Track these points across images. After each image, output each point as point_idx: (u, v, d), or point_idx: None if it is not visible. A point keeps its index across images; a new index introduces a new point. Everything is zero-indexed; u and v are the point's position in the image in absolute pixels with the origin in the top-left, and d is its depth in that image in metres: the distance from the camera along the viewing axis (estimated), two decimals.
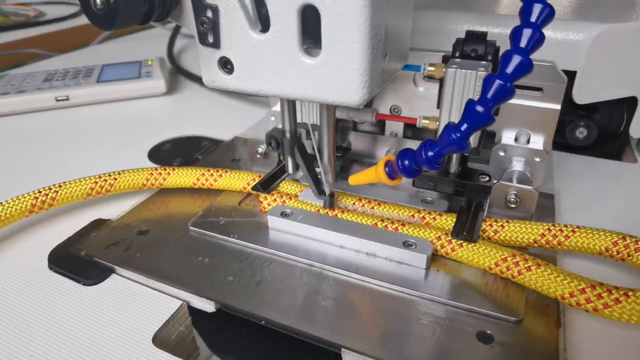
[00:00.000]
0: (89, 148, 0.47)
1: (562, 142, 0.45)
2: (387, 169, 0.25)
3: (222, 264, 0.29)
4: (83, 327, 0.26)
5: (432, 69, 0.29)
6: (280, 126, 0.30)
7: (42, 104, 0.56)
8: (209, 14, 0.22)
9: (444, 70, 0.28)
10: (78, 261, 0.30)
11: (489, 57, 0.28)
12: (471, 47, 0.28)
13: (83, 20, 1.14)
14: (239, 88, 0.24)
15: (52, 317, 0.26)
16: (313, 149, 0.30)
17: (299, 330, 0.25)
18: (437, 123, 0.31)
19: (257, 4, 0.22)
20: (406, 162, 0.24)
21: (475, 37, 0.28)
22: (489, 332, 0.24)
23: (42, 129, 0.52)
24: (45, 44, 0.98)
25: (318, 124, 0.30)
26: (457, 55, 0.29)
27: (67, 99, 0.56)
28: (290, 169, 0.32)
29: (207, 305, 0.27)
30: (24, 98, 0.55)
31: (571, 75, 0.37)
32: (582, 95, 0.37)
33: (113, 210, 0.36)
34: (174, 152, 0.45)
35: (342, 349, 0.24)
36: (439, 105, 0.30)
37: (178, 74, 0.68)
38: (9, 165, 0.44)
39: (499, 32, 0.37)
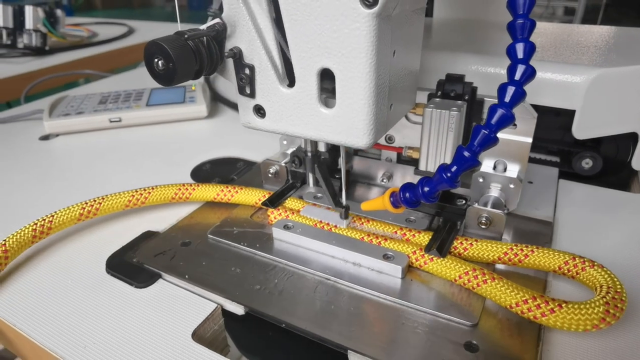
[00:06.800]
0: (139, 166, 0.53)
1: (570, 171, 0.48)
2: (391, 199, 0.30)
3: (251, 274, 0.34)
4: (135, 322, 0.31)
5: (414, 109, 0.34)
6: (288, 151, 0.35)
7: (97, 124, 0.63)
8: (247, 71, 0.28)
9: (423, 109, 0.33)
10: (131, 267, 0.36)
11: (466, 97, 0.32)
12: (450, 87, 0.33)
13: (132, 40, 1.24)
14: (269, 129, 0.30)
15: (110, 313, 0.32)
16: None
17: (313, 334, 0.29)
18: (419, 153, 0.36)
19: (285, 65, 0.27)
20: (407, 195, 0.28)
21: (454, 79, 0.33)
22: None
23: (98, 147, 0.58)
24: (99, 64, 1.07)
25: None
26: (438, 94, 0.33)
27: (120, 121, 0.63)
28: (311, 183, 0.37)
29: (237, 309, 0.32)
30: (82, 119, 0.62)
31: (571, 113, 0.40)
32: (581, 131, 0.40)
33: (160, 223, 0.41)
34: (213, 172, 0.51)
35: (349, 351, 0.28)
36: None
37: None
38: (69, 177, 0.50)
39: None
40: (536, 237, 0.37)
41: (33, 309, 0.32)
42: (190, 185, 0.42)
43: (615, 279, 0.29)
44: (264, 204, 0.39)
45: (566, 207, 0.42)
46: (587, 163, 0.47)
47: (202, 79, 0.78)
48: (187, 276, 0.34)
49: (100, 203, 0.40)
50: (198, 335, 0.30)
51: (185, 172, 0.50)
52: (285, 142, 0.44)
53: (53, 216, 0.38)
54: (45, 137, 0.62)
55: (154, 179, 0.50)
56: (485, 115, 0.34)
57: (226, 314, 0.33)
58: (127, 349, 0.29)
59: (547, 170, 0.47)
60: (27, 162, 0.55)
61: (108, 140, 0.60)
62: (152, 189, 0.42)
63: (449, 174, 0.26)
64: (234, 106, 0.68)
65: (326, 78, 0.27)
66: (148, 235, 0.39)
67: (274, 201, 0.38)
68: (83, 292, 0.34)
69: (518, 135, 0.36)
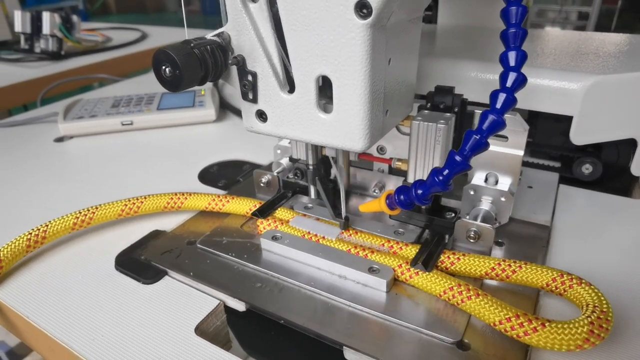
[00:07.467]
0: (149, 167, 0.54)
1: (570, 177, 0.48)
2: (387, 202, 0.31)
3: (252, 272, 0.36)
4: (141, 316, 0.33)
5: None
6: (282, 160, 0.37)
7: (110, 127, 0.65)
8: (250, 78, 0.29)
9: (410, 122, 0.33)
10: (139, 264, 0.37)
11: (455, 109, 0.32)
12: (440, 99, 0.33)
13: (145, 45, 1.27)
14: (270, 133, 0.31)
15: (117, 307, 0.33)
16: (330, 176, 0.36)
17: (310, 330, 0.30)
18: (407, 165, 0.35)
19: (286, 72, 0.28)
20: (401, 197, 0.29)
21: (443, 91, 0.33)
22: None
23: (110, 149, 0.60)
24: (112, 69, 1.10)
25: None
26: (428, 106, 0.33)
27: (131, 124, 0.65)
28: (312, 195, 0.38)
29: (239, 305, 0.33)
30: (95, 122, 0.64)
31: (568, 119, 0.41)
32: (579, 136, 0.41)
33: (167, 223, 0.43)
34: (220, 174, 0.52)
35: (344, 347, 0.29)
36: None
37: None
38: (82, 177, 0.52)
39: None
40: (533, 241, 0.38)
41: (45, 303, 0.34)
42: (182, 194, 0.43)
43: (602, 298, 0.28)
44: (253, 214, 0.39)
45: (565, 212, 0.42)
46: (587, 168, 0.48)
47: (211, 85, 0.79)
48: (191, 273, 0.35)
49: (94, 212, 0.41)
50: (201, 330, 0.32)
51: (193, 174, 0.52)
52: (279, 152, 0.44)
53: (47, 226, 0.39)
54: (60, 139, 0.64)
55: (163, 180, 0.51)
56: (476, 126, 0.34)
57: (229, 310, 0.34)
58: (133, 342, 0.30)
59: (547, 175, 0.48)
60: (42, 163, 0.57)
61: (120, 142, 0.62)
62: (145, 198, 0.42)
63: (441, 177, 0.27)
64: (239, 113, 0.70)
65: (326, 85, 0.28)
66: (156, 234, 0.41)
67: (264, 211, 0.38)
68: (93, 287, 0.35)
69: (509, 148, 0.36)
